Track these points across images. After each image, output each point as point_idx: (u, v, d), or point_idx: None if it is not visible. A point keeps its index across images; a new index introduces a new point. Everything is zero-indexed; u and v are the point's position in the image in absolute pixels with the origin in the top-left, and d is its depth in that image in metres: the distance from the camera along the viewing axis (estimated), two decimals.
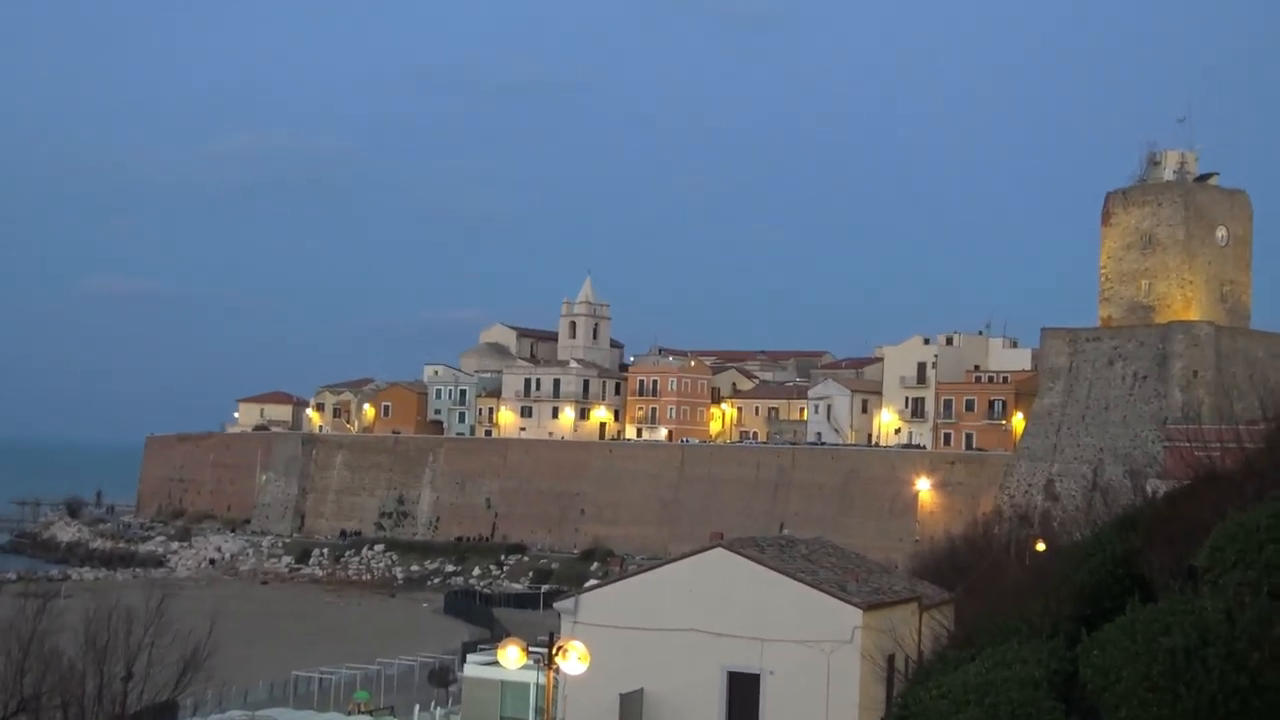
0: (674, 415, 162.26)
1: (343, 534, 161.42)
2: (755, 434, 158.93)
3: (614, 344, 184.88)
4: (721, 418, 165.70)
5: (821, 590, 39.26)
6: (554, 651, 24.03)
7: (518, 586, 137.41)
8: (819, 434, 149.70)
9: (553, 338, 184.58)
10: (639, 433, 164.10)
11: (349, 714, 62.33)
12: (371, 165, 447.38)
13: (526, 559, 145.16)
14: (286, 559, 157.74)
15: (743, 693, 38.83)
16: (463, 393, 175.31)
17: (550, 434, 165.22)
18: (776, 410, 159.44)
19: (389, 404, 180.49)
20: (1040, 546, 62.51)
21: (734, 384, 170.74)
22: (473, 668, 53.01)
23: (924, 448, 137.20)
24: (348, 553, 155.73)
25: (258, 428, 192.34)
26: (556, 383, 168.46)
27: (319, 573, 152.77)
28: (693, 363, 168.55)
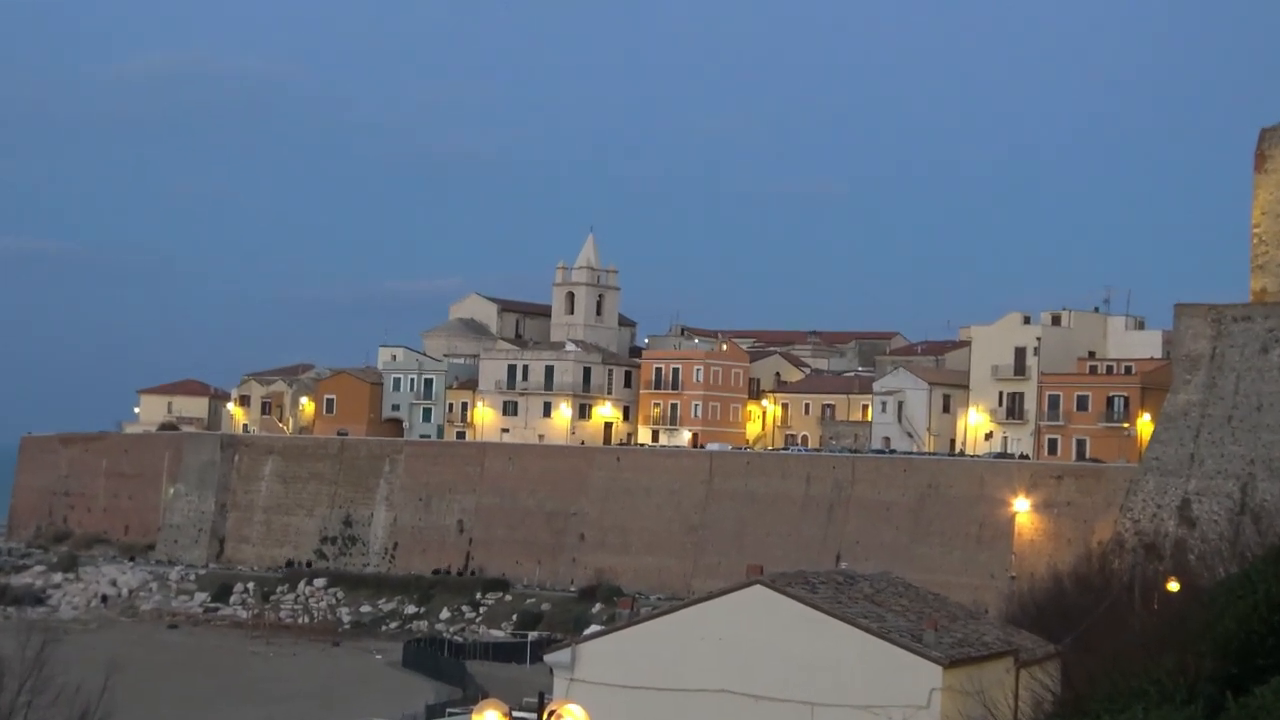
0: (700, 414, 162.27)
1: (289, 564, 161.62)
2: (805, 438, 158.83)
3: (624, 321, 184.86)
4: (762, 417, 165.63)
5: (890, 641, 39.25)
6: (545, 717, 24.10)
7: (498, 633, 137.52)
8: (887, 439, 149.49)
9: (545, 313, 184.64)
10: (655, 436, 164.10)
11: None
12: (314, 92, 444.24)
13: (509, 598, 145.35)
14: (201, 596, 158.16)
15: None
16: (428, 383, 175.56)
17: (541, 437, 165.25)
18: (832, 408, 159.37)
19: (333, 397, 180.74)
20: (1173, 586, 62.51)
21: (778, 374, 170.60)
22: None
23: (1023, 457, 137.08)
24: (280, 588, 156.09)
25: (164, 426, 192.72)
26: (549, 370, 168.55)
27: (243, 614, 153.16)
28: (725, 346, 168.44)
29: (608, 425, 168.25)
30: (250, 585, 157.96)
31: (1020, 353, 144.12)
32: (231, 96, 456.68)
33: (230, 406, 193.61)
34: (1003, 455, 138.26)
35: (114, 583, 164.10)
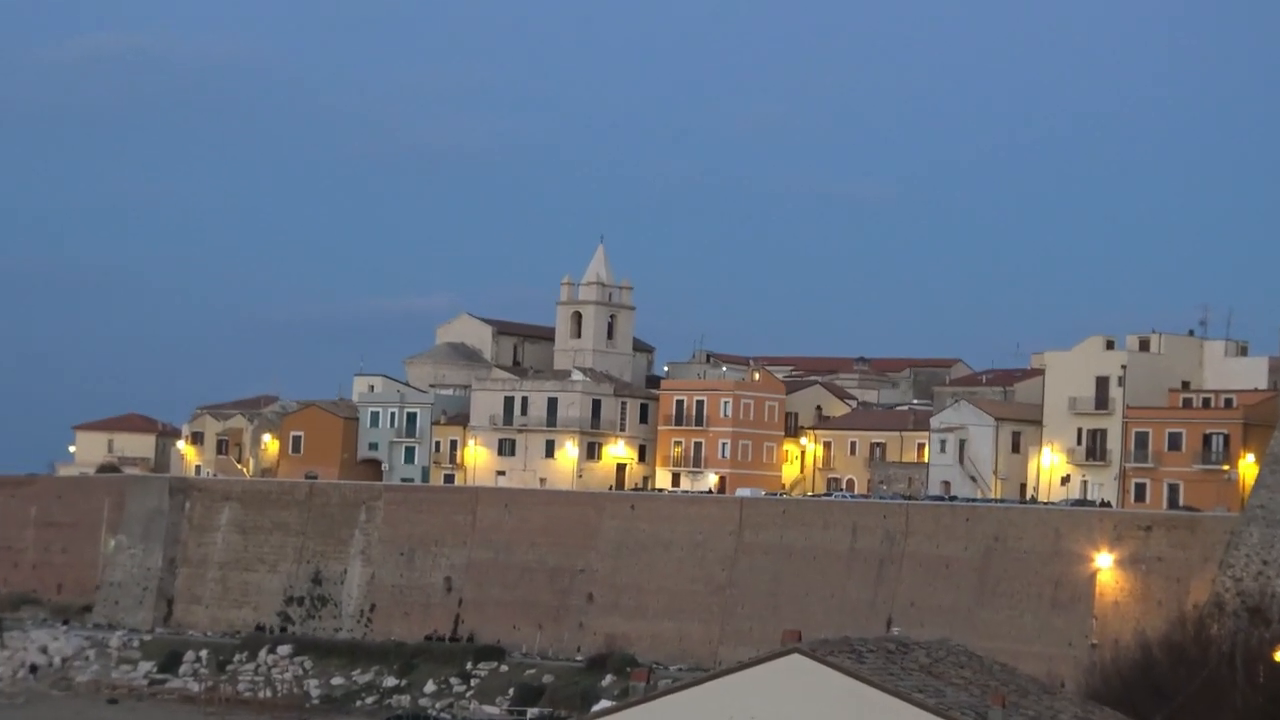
0: (728, 454, 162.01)
1: (259, 629, 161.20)
2: (851, 483, 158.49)
3: (639, 346, 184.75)
4: (800, 458, 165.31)
5: None
6: None
7: (492, 709, 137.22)
8: (947, 484, 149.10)
9: (548, 336, 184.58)
10: (676, 480, 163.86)
11: None
12: (283, 79, 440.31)
13: (505, 669, 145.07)
14: (146, 665, 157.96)
15: None
16: (411, 417, 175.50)
17: (543, 481, 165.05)
18: (883, 448, 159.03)
19: (301, 434, 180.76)
20: None
21: (819, 407, 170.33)
22: None
23: (1104, 505, 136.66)
24: (238, 657, 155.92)
25: (104, 468, 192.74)
26: (552, 403, 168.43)
27: (194, 687, 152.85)
28: (758, 375, 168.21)
29: (620, 467, 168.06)
30: (203, 653, 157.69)
31: (1102, 383, 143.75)
32: (182, 83, 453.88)
33: (180, 445, 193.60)
34: (1081, 503, 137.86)
35: (44, 650, 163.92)
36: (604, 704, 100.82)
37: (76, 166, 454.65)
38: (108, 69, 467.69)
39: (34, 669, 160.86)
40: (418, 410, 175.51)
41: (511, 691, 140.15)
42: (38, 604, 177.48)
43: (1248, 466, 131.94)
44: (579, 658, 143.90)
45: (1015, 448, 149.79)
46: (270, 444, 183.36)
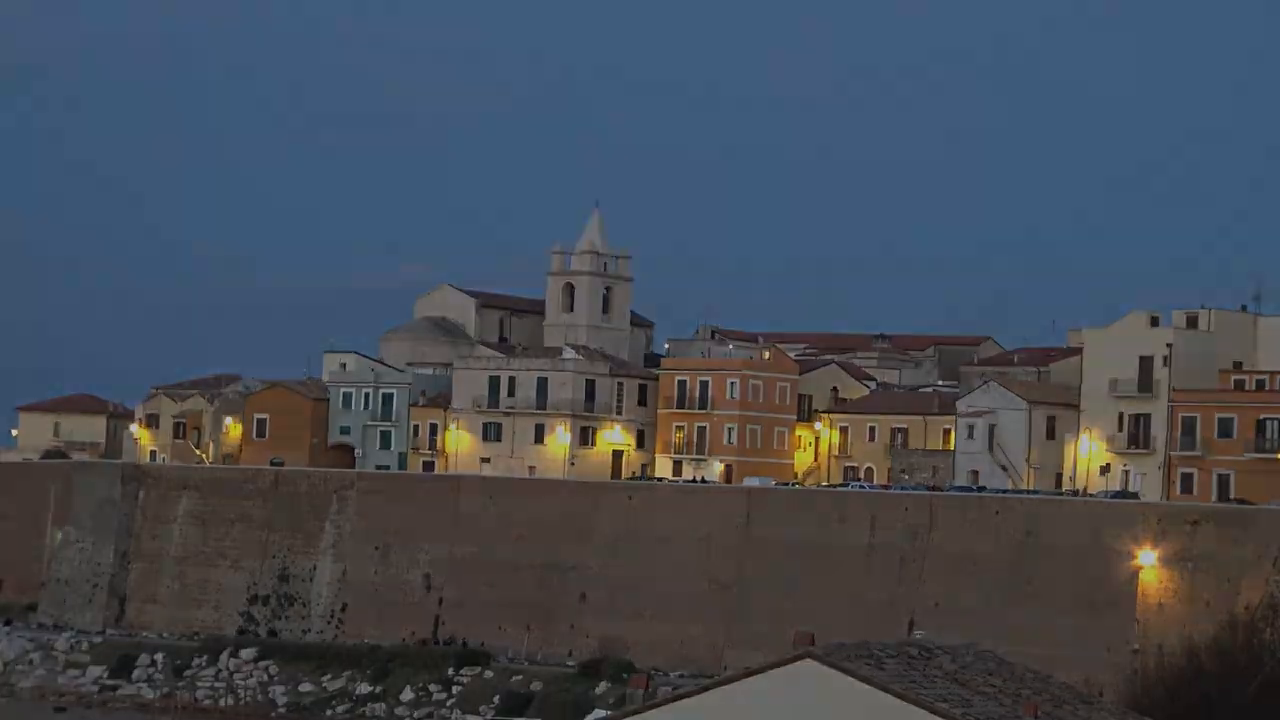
0: (735, 440, 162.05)
1: (241, 632, 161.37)
2: (869, 472, 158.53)
3: (637, 321, 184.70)
4: (814, 445, 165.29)
5: None
6: None
7: (475, 719, 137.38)
8: (975, 473, 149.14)
9: (537, 310, 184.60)
10: (677, 469, 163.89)
11: None
12: (243, 30, 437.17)
13: (491, 675, 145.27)
14: (96, 670, 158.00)
15: None
16: (387, 399, 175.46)
17: (531, 469, 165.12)
18: (905, 433, 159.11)
19: (265, 416, 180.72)
20: None
21: (835, 389, 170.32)
22: None
23: (1133, 496, 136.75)
24: (197, 661, 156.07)
25: (50, 453, 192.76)
26: (542, 384, 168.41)
27: (149, 694, 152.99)
28: (767, 354, 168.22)
29: (617, 454, 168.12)
30: (159, 657, 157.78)
31: (1146, 363, 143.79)
32: (132, 33, 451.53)
33: (134, 428, 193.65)
34: (1123, 494, 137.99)
35: None
36: (598, 713, 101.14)
37: (11, 125, 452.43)
38: (47, 24, 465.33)
39: None
40: (394, 391, 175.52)
41: (497, 700, 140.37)
42: None
43: None
44: (571, 663, 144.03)
45: (1050, 434, 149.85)
46: (232, 428, 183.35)
